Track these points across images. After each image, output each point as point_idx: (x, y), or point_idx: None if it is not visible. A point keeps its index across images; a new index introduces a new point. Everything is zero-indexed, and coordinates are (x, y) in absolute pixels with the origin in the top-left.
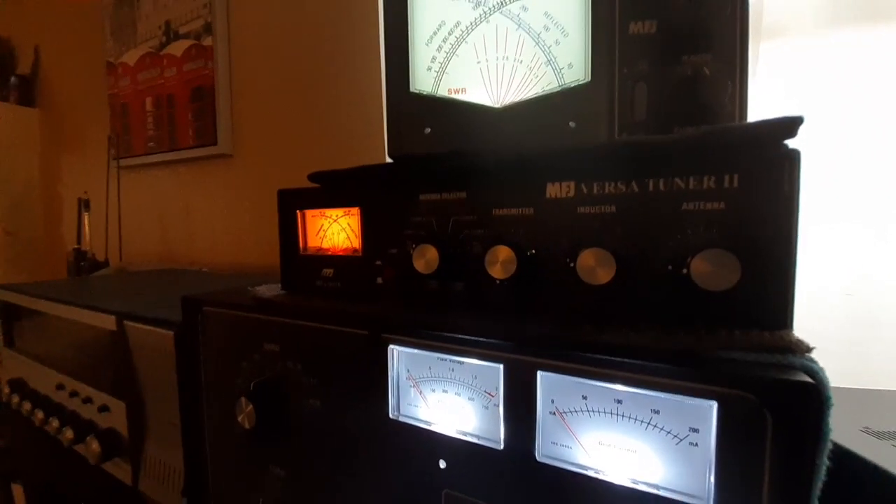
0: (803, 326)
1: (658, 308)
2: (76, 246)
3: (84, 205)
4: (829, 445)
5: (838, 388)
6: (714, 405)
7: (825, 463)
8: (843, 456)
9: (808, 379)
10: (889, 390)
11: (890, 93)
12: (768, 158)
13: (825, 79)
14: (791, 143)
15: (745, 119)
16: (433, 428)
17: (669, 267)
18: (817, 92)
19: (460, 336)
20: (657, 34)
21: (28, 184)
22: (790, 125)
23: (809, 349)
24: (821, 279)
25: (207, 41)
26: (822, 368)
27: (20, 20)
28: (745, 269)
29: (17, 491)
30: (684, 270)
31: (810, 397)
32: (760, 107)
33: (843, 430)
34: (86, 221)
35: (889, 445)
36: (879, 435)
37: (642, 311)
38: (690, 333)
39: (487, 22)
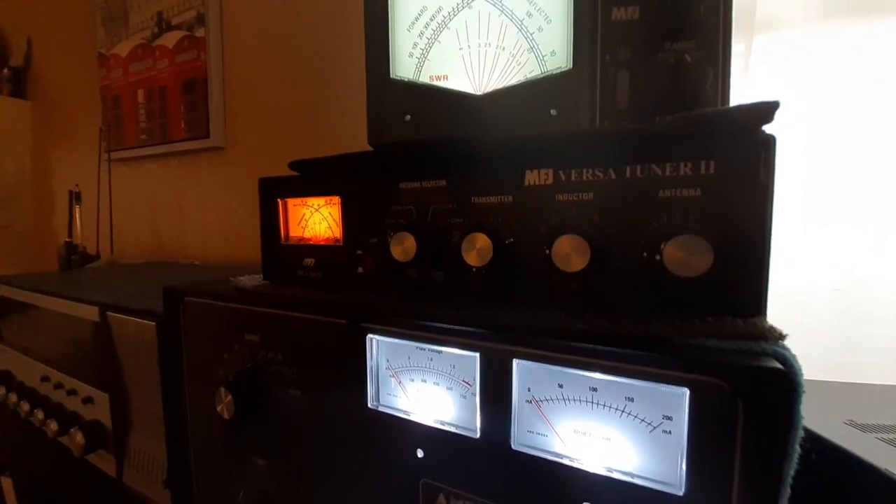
0: (792, 321)
1: (633, 295)
2: (67, 239)
3: (75, 197)
4: (802, 433)
5: (824, 381)
6: (686, 392)
7: (797, 450)
8: (826, 448)
9: (779, 366)
10: (874, 384)
11: (881, 88)
12: (744, 144)
13: (814, 72)
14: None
15: (727, 106)
16: (411, 417)
17: (644, 254)
18: (809, 87)
19: (438, 325)
20: (640, 20)
21: (19, 176)
22: (767, 110)
23: (782, 336)
24: (810, 274)
25: (200, 32)
26: (794, 356)
27: (12, 11)
28: (717, 256)
29: (6, 483)
30: (658, 257)
31: (781, 384)
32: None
33: (827, 422)
34: (77, 214)
35: (872, 438)
36: (863, 427)
37: (617, 298)
38: (664, 321)
39: (470, 8)
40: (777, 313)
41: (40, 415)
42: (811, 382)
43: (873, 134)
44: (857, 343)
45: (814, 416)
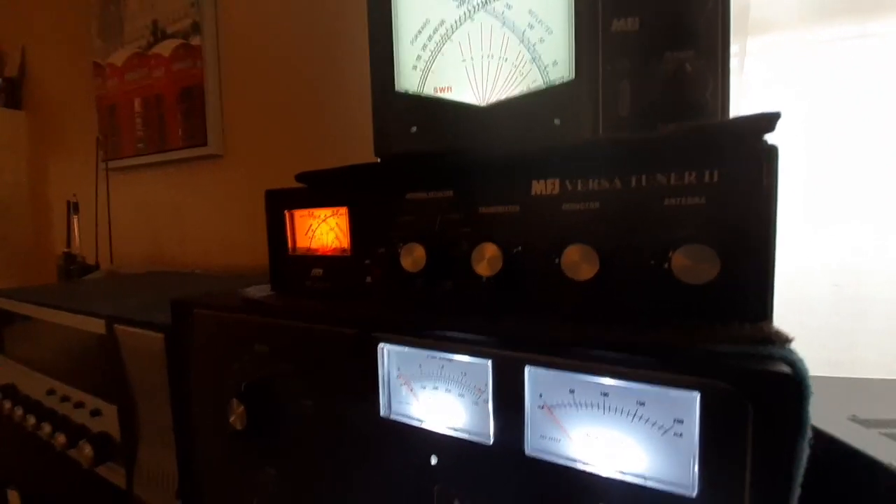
0: (792, 317)
1: (642, 302)
2: (66, 249)
3: (73, 207)
4: (810, 434)
5: (827, 377)
6: (697, 396)
7: (806, 451)
8: (829, 444)
9: (787, 369)
10: (877, 379)
11: (875, 88)
12: (747, 153)
13: (811, 73)
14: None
15: (727, 114)
16: (424, 425)
17: (652, 262)
18: (807, 86)
19: (449, 334)
20: (640, 31)
21: (16, 187)
22: (768, 120)
23: (789, 339)
24: (809, 270)
25: (195, 41)
26: (801, 359)
27: (6, 21)
28: (724, 263)
29: (13, 497)
30: (666, 265)
31: (788, 387)
32: (753, 102)
33: (830, 418)
34: (75, 224)
35: (876, 433)
36: (866, 423)
37: (627, 305)
38: (673, 327)
39: (472, 20)
40: (776, 310)
41: (47, 428)
42: (814, 378)
43: (873, 131)
44: (855, 339)
45: (818, 413)
